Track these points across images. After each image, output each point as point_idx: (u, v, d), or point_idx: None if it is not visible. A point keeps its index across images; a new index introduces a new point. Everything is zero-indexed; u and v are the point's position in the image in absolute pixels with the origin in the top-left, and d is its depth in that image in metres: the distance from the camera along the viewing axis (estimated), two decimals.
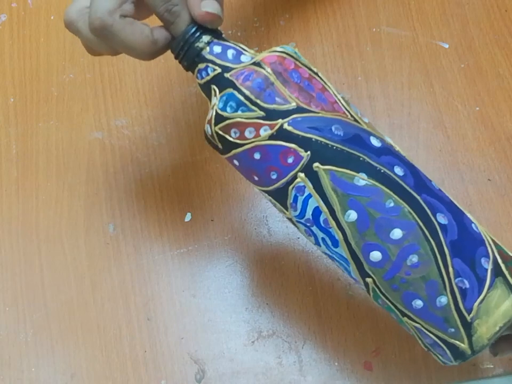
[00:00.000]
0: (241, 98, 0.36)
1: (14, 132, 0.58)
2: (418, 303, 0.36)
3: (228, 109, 0.37)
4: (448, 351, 0.36)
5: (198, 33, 0.39)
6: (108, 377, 0.50)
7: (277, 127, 0.36)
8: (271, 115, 0.36)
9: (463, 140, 0.54)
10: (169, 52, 0.41)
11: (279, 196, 0.38)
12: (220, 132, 0.38)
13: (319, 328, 0.50)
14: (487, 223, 0.51)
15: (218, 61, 0.38)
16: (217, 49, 0.39)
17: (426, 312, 0.36)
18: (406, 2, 0.59)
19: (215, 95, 0.38)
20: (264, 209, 0.53)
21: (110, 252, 0.53)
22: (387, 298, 0.37)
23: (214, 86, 0.38)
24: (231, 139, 0.37)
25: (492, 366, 0.48)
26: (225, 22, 0.62)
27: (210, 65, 0.39)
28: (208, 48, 0.39)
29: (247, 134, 0.37)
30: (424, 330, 0.36)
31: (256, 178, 0.38)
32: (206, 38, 0.39)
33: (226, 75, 0.38)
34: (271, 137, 0.36)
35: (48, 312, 0.52)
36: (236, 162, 0.39)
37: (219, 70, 0.38)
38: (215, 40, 0.39)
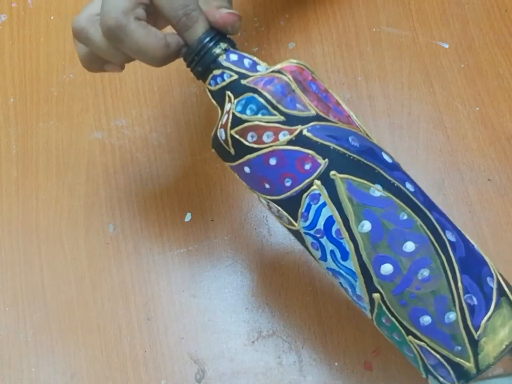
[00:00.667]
0: (263, 101, 0.36)
1: (14, 132, 0.58)
2: (426, 319, 0.35)
3: (248, 111, 0.37)
4: (452, 372, 0.35)
5: (215, 40, 0.39)
6: (107, 377, 0.50)
7: (296, 132, 0.36)
8: (291, 120, 0.36)
9: (463, 139, 0.54)
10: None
11: (290, 205, 0.37)
12: (236, 136, 0.37)
13: (319, 328, 0.50)
14: (487, 223, 0.51)
15: (235, 68, 0.39)
16: (233, 57, 0.39)
17: (434, 329, 0.35)
18: (406, 2, 0.59)
19: (230, 101, 0.38)
20: (264, 209, 0.53)
21: (110, 252, 0.53)
22: (393, 315, 0.36)
23: (229, 92, 0.38)
24: (247, 143, 0.37)
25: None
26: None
27: (226, 71, 0.39)
28: (224, 55, 0.39)
29: (265, 138, 0.37)
30: (429, 349, 0.36)
31: (267, 186, 0.37)
32: (223, 45, 0.39)
33: (244, 82, 0.38)
34: (290, 142, 0.36)
35: (48, 312, 0.52)
36: (246, 169, 0.38)
37: (236, 77, 0.38)
38: (231, 49, 0.39)
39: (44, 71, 0.60)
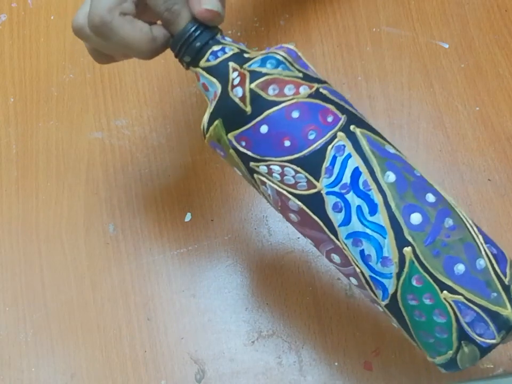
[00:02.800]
0: (280, 58, 0.37)
1: (14, 132, 0.58)
2: (460, 268, 0.35)
3: (268, 65, 0.37)
4: (491, 323, 0.34)
5: (198, 32, 0.39)
6: (107, 377, 0.50)
7: (314, 88, 0.37)
8: (307, 78, 0.38)
9: (463, 140, 0.54)
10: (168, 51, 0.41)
11: (313, 161, 0.36)
12: (256, 89, 0.37)
13: (319, 328, 0.50)
14: (487, 223, 0.51)
15: (235, 44, 0.39)
16: (228, 38, 0.40)
17: (469, 276, 0.35)
18: (406, 2, 0.59)
19: (237, 69, 0.38)
20: (264, 209, 0.53)
21: (110, 252, 0.53)
22: (426, 270, 0.35)
23: (232, 63, 0.38)
24: (268, 97, 0.37)
25: (491, 366, 0.47)
26: (225, 22, 0.62)
27: (227, 46, 0.39)
28: (220, 35, 0.40)
29: (286, 91, 0.37)
30: (466, 302, 0.34)
31: (287, 144, 0.36)
32: (206, 36, 0.39)
33: (247, 55, 0.39)
34: (310, 96, 0.37)
35: (48, 312, 0.52)
36: (263, 129, 0.37)
37: (238, 50, 0.39)
38: (216, 38, 0.39)
39: (43, 71, 0.60)
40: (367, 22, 0.59)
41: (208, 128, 0.38)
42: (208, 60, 0.39)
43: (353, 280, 0.38)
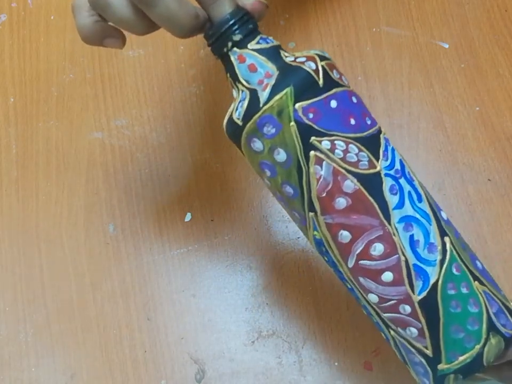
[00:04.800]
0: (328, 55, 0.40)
1: (14, 132, 0.58)
2: (479, 264, 0.38)
3: (326, 54, 0.39)
4: (509, 316, 0.37)
5: (237, 25, 0.38)
6: (107, 377, 0.50)
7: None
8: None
9: (463, 140, 0.54)
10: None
11: (373, 143, 0.37)
12: (326, 67, 0.38)
13: (319, 328, 0.50)
14: (487, 223, 0.51)
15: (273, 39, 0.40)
16: (264, 36, 0.39)
17: (486, 273, 0.38)
18: (406, 2, 0.59)
19: (290, 55, 0.39)
20: (264, 209, 0.53)
21: (110, 252, 0.53)
22: (461, 259, 0.37)
23: (282, 51, 0.39)
24: (334, 77, 0.38)
25: None
26: None
27: (269, 37, 0.39)
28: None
29: (343, 78, 0.39)
30: (491, 294, 0.37)
31: (352, 122, 0.37)
32: (251, 24, 0.38)
33: (282, 51, 0.39)
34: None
35: (48, 312, 0.52)
36: (333, 103, 0.37)
37: (278, 43, 0.39)
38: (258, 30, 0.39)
39: (43, 71, 0.60)
40: (367, 22, 0.59)
41: (270, 99, 0.37)
42: (258, 43, 0.39)
43: (373, 296, 0.37)
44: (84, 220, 0.55)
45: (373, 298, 0.37)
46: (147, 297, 0.52)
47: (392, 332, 0.38)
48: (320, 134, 0.36)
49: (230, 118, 0.38)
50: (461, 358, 0.36)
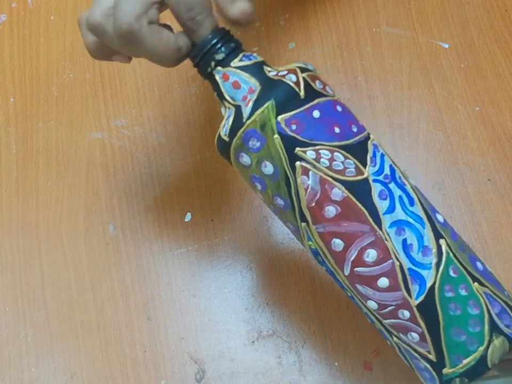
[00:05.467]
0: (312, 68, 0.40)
1: (14, 132, 0.58)
2: (479, 265, 0.37)
3: (310, 67, 0.39)
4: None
5: (209, 55, 0.39)
6: (107, 377, 0.50)
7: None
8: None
9: (463, 140, 0.54)
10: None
11: (359, 150, 0.38)
12: (308, 79, 0.38)
13: (319, 328, 0.50)
14: (487, 223, 0.51)
15: (257, 55, 0.41)
16: (246, 53, 0.40)
17: (487, 273, 0.37)
18: (406, 2, 0.59)
19: (274, 70, 0.39)
20: (264, 209, 0.53)
21: (110, 252, 0.53)
22: (459, 261, 0.36)
23: (266, 66, 0.40)
24: (316, 88, 0.38)
25: None
26: (225, 22, 0.62)
27: (253, 54, 0.40)
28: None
29: (328, 89, 0.39)
30: (492, 294, 0.36)
31: (337, 130, 0.38)
32: (232, 43, 0.40)
33: (267, 68, 0.40)
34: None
35: (48, 312, 0.52)
36: (315, 114, 0.37)
37: (261, 59, 0.40)
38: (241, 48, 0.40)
39: (44, 71, 0.60)
40: (367, 22, 0.59)
41: (252, 114, 0.38)
42: (241, 60, 0.40)
43: (372, 303, 0.37)
44: (84, 220, 0.55)
45: (372, 305, 0.37)
46: (147, 297, 0.52)
47: (395, 339, 0.38)
48: (305, 145, 0.37)
49: (219, 135, 0.39)
50: (465, 361, 0.36)
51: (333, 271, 0.38)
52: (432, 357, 0.36)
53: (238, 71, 0.39)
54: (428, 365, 0.37)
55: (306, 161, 0.37)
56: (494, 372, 0.38)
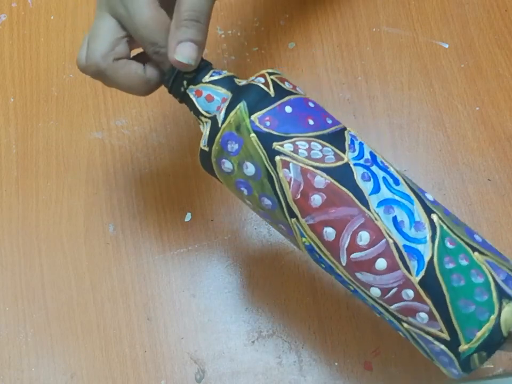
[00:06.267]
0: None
1: (14, 132, 0.58)
2: (477, 237, 0.37)
3: (277, 71, 0.41)
4: None
5: (180, 78, 0.41)
6: (107, 377, 0.50)
7: None
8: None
9: (463, 139, 0.54)
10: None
11: (336, 139, 0.38)
12: (276, 80, 0.39)
13: (319, 328, 0.50)
14: (487, 223, 0.51)
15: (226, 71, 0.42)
16: (215, 70, 0.42)
17: (487, 244, 0.37)
18: (406, 2, 0.59)
19: (242, 81, 0.40)
20: None
21: (110, 252, 0.53)
22: (454, 233, 0.36)
23: (235, 78, 0.41)
24: (286, 87, 0.39)
25: (491, 366, 0.48)
26: (225, 22, 0.62)
27: (222, 71, 0.41)
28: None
29: (298, 89, 0.40)
30: (496, 263, 0.36)
31: (311, 122, 0.38)
32: (186, 79, 0.41)
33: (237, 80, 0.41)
34: None
35: (48, 312, 0.52)
36: (288, 109, 0.38)
37: (231, 74, 0.41)
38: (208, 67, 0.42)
39: (44, 71, 0.60)
40: (367, 22, 0.59)
41: (226, 118, 0.39)
42: (212, 75, 0.41)
43: (375, 290, 0.37)
44: (84, 220, 0.55)
45: (375, 292, 0.37)
46: (147, 297, 0.52)
47: (405, 325, 0.37)
48: (281, 139, 0.38)
49: (200, 149, 0.40)
50: (479, 334, 0.35)
51: (331, 265, 0.38)
52: (445, 335, 0.35)
53: (210, 85, 0.41)
54: (443, 347, 0.36)
55: (285, 155, 0.37)
56: (509, 348, 0.37)
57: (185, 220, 0.54)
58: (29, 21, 0.62)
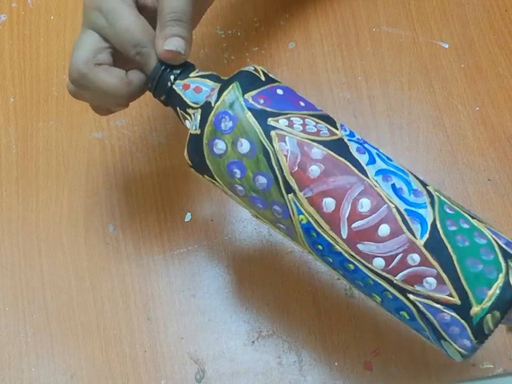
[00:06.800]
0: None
1: (14, 132, 0.58)
2: (473, 213, 0.38)
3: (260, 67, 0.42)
4: None
5: (166, 73, 0.41)
6: (107, 377, 0.50)
7: None
8: None
9: (463, 139, 0.54)
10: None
11: (328, 119, 0.39)
12: (264, 70, 0.41)
13: (319, 328, 0.50)
14: None
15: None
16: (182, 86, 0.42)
17: (480, 217, 0.38)
18: (406, 2, 0.59)
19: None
20: None
21: (110, 252, 0.53)
22: (452, 202, 0.37)
23: (222, 77, 0.42)
24: (274, 77, 0.41)
25: (491, 366, 0.48)
26: (225, 22, 0.62)
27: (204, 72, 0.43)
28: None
29: (282, 80, 0.42)
30: (494, 229, 0.36)
31: (303, 104, 0.40)
32: (176, 72, 0.41)
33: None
34: None
35: (48, 312, 0.52)
36: (279, 91, 0.40)
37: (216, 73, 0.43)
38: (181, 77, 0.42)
39: (44, 71, 0.60)
40: (367, 22, 0.59)
41: (219, 97, 0.39)
42: (198, 72, 0.42)
43: (378, 261, 0.35)
44: (84, 220, 0.55)
45: (379, 263, 0.36)
46: (147, 297, 0.52)
47: (411, 297, 0.35)
48: (275, 115, 0.38)
49: (189, 135, 0.40)
50: (490, 292, 0.34)
51: (331, 242, 0.37)
52: (455, 299, 0.34)
53: (198, 78, 0.42)
54: (454, 314, 0.34)
55: (281, 129, 0.38)
56: None
57: (185, 220, 0.54)
58: (29, 21, 0.62)
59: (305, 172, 0.37)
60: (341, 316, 0.50)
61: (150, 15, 0.42)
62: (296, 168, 0.37)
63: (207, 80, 0.41)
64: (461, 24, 0.58)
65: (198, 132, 0.39)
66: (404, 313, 0.37)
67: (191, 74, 0.42)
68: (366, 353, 0.49)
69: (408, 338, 0.48)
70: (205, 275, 0.52)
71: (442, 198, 0.37)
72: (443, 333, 0.35)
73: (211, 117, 0.38)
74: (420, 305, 0.35)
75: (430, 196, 0.37)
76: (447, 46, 0.57)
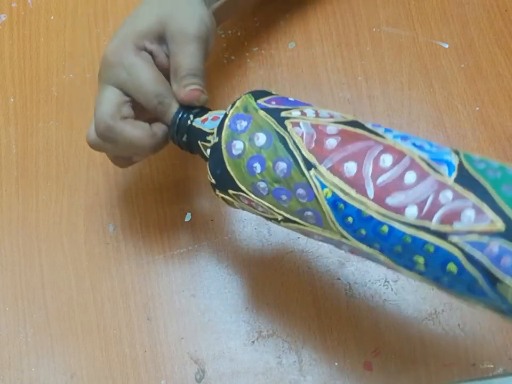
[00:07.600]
0: None
1: (14, 132, 0.58)
2: None
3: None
4: None
5: (187, 113, 0.44)
6: (107, 377, 0.50)
7: None
8: None
9: (463, 140, 0.54)
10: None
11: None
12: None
13: (319, 328, 0.50)
14: None
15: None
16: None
17: None
18: (406, 2, 0.59)
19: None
20: None
21: (110, 252, 0.53)
22: (482, 160, 0.35)
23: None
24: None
25: (491, 366, 0.48)
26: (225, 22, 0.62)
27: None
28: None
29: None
30: None
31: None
32: (192, 114, 0.44)
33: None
34: None
35: (48, 312, 0.52)
36: (290, 98, 0.42)
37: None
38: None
39: (44, 71, 0.60)
40: (367, 22, 0.59)
41: (232, 106, 0.41)
42: (214, 111, 0.45)
43: (410, 210, 0.34)
44: (84, 220, 0.55)
45: (411, 212, 0.34)
46: (147, 297, 0.52)
47: (454, 238, 0.33)
48: (288, 110, 0.40)
49: (210, 150, 0.41)
50: None
51: (359, 207, 0.35)
52: (499, 224, 0.32)
53: (214, 111, 0.44)
54: (502, 241, 0.31)
55: (294, 118, 0.39)
56: None
57: (185, 220, 0.54)
58: (29, 21, 0.62)
59: (323, 145, 0.37)
60: (341, 316, 0.50)
61: (162, 73, 0.45)
62: (313, 145, 0.38)
63: (223, 111, 0.43)
64: (461, 24, 0.58)
65: (216, 139, 0.40)
66: (451, 266, 0.34)
67: (209, 113, 0.44)
68: (366, 353, 0.49)
69: (408, 338, 0.48)
70: (205, 275, 0.52)
71: (466, 153, 0.36)
72: (496, 272, 0.32)
73: (226, 122, 0.40)
74: (465, 246, 0.33)
75: (453, 149, 0.37)
76: (447, 46, 0.57)
